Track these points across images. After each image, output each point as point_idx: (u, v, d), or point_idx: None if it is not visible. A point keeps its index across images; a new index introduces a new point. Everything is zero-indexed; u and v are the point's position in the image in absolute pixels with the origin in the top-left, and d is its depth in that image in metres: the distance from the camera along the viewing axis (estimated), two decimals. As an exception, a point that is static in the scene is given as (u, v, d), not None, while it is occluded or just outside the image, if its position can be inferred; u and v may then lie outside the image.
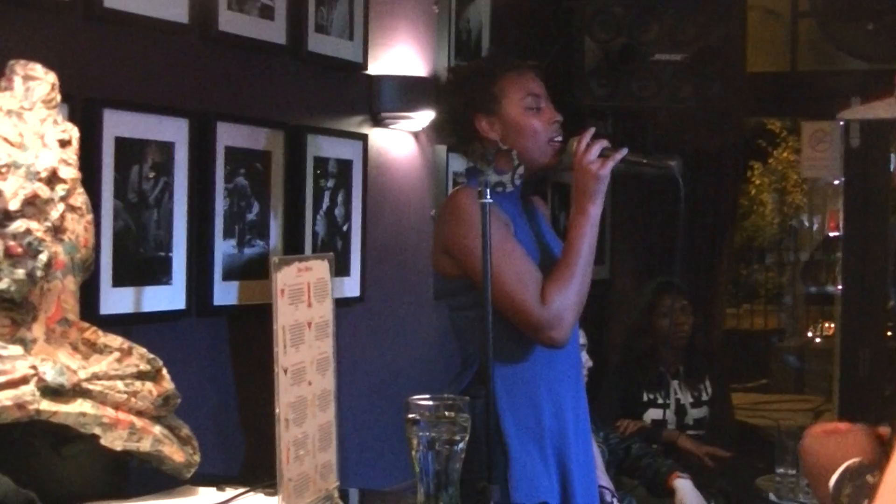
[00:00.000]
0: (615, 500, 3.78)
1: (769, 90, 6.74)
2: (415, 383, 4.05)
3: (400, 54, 4.24)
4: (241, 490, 2.16)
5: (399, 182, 4.27)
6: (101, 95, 2.89)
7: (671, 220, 6.14)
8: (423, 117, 4.13)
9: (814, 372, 10.88)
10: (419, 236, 4.28)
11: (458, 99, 2.91)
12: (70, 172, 2.09)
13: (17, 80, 2.10)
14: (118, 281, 2.94)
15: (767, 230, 15.59)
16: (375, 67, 4.06)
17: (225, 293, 3.31)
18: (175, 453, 2.13)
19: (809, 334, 12.36)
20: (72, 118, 2.57)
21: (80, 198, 2.11)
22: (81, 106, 2.81)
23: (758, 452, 5.40)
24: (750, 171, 14.23)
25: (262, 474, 2.15)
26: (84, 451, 2.04)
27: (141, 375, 2.12)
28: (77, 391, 1.98)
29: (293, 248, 3.59)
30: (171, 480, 2.16)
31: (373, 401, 4.08)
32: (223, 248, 3.31)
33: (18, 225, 1.98)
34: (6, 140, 2.00)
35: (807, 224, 14.48)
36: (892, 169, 6.41)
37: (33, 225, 2.00)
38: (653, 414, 5.34)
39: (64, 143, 2.10)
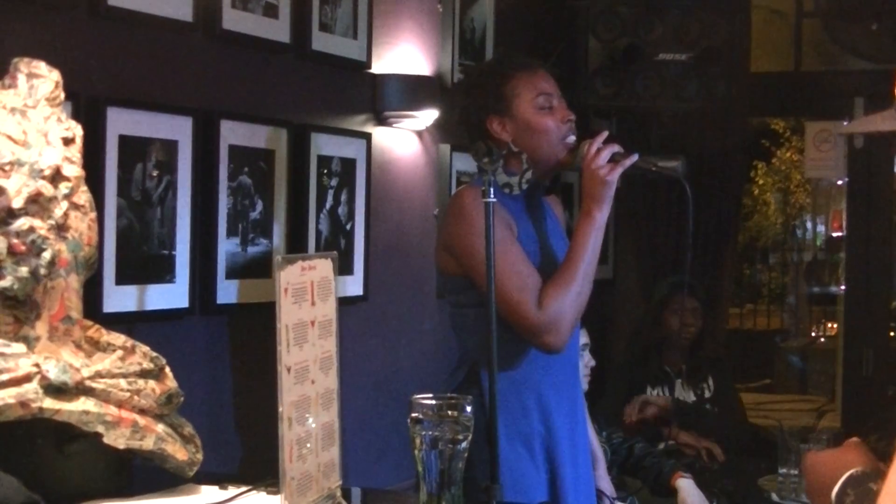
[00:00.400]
0: None
1: (773, 90, 6.73)
2: (418, 382, 4.05)
3: (404, 53, 4.24)
4: (244, 488, 2.16)
5: (402, 181, 4.27)
6: (104, 93, 2.90)
7: (675, 219, 6.16)
8: (427, 116, 4.13)
9: (817, 372, 10.87)
10: (422, 235, 4.28)
11: (470, 100, 2.89)
12: (74, 170, 2.09)
13: (21, 78, 2.10)
14: (121, 279, 2.94)
15: (771, 230, 15.58)
16: (379, 66, 4.06)
17: (228, 292, 3.31)
18: (178, 451, 2.13)
19: (813, 334, 12.35)
20: (75, 116, 2.58)
21: (83, 196, 2.11)
22: (85, 104, 2.81)
23: (760, 452, 5.40)
24: (753, 171, 14.21)
25: (264, 473, 2.15)
26: (87, 449, 2.04)
27: (144, 374, 2.12)
28: (80, 389, 1.98)
29: (296, 246, 3.59)
30: (173, 479, 2.16)
31: (376, 400, 4.08)
32: (226, 246, 3.31)
33: (22, 223, 1.98)
34: (10, 138, 2.00)
35: (810, 224, 14.47)
36: (895, 169, 6.40)
37: (37, 223, 2.00)
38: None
39: (67, 141, 2.10)
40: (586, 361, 4.01)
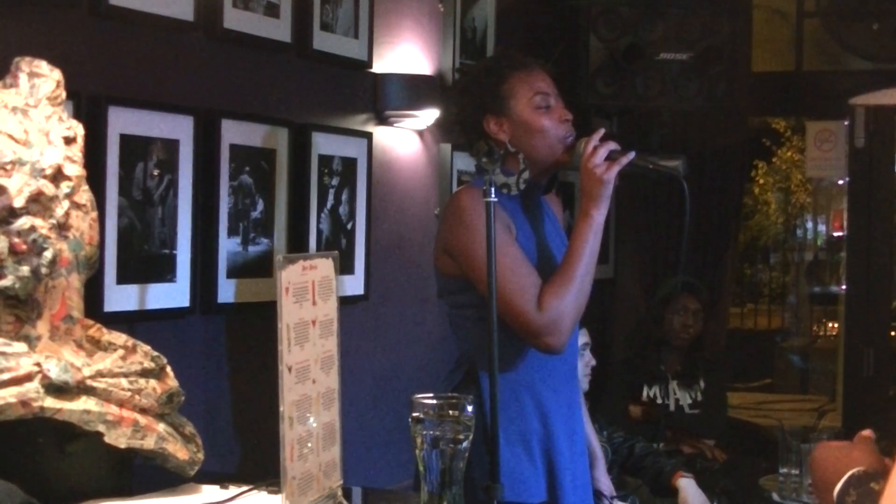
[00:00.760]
0: None
1: (774, 89, 6.73)
2: (419, 382, 4.05)
3: (405, 53, 4.24)
4: (245, 488, 2.16)
5: (404, 180, 4.28)
6: (106, 92, 2.90)
7: (676, 218, 6.16)
8: (428, 116, 4.13)
9: (818, 372, 10.87)
10: (423, 235, 4.28)
11: (467, 100, 2.88)
12: (75, 170, 2.09)
13: (23, 77, 2.10)
14: (122, 278, 2.94)
15: (772, 230, 15.57)
16: (380, 66, 4.06)
17: (229, 291, 3.31)
18: (179, 451, 2.13)
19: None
20: (77, 115, 2.58)
21: (84, 195, 2.11)
22: (86, 103, 2.81)
23: (761, 452, 5.40)
24: (754, 171, 14.21)
25: (265, 472, 2.15)
26: (88, 448, 2.04)
27: (145, 373, 2.12)
28: (81, 388, 1.99)
29: (297, 246, 3.59)
30: (174, 478, 2.16)
31: (377, 399, 4.08)
32: (227, 245, 3.31)
33: (23, 222, 1.98)
34: (11, 137, 2.00)
35: (811, 224, 14.46)
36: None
37: (38, 222, 2.00)
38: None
39: (69, 141, 2.10)
40: (587, 361, 4.01)
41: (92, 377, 2.01)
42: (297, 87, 3.68)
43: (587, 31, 5.27)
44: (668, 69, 5.26)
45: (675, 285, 5.57)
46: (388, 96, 4.04)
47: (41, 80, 2.11)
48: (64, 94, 2.15)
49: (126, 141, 2.94)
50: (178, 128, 3.12)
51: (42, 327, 2.03)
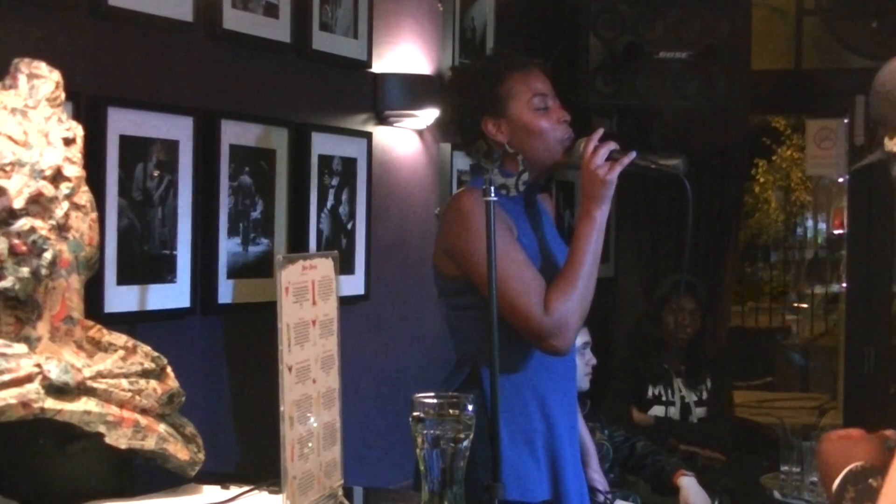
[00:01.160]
0: (607, 501, 3.76)
1: (774, 88, 6.73)
2: (419, 381, 4.05)
3: (404, 52, 4.24)
4: (246, 488, 2.16)
5: (403, 180, 4.28)
6: (105, 93, 2.90)
7: (676, 217, 6.16)
8: (428, 115, 4.13)
9: (819, 370, 10.88)
10: (424, 234, 4.28)
11: (465, 101, 2.86)
12: (74, 171, 2.09)
13: (22, 79, 2.10)
14: (123, 279, 2.94)
15: (772, 228, 15.58)
16: (380, 65, 4.06)
17: (229, 291, 3.31)
18: (180, 451, 2.13)
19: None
20: (76, 116, 2.58)
21: (84, 196, 2.11)
22: (86, 104, 2.81)
23: (762, 450, 5.40)
24: (754, 169, 14.22)
25: (266, 472, 2.15)
26: (89, 449, 2.04)
27: (145, 373, 2.12)
28: (82, 389, 1.99)
29: (298, 246, 3.59)
30: (175, 478, 2.16)
31: (377, 399, 4.08)
32: (228, 246, 3.31)
33: (23, 223, 1.98)
34: (10, 138, 2.00)
35: (811, 222, 14.48)
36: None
37: (38, 223, 2.00)
38: (658, 411, 5.35)
39: (68, 142, 2.10)
40: (587, 360, 4.01)
41: (92, 378, 2.01)
42: (297, 87, 3.68)
43: (586, 30, 5.27)
44: (667, 68, 5.26)
45: (676, 284, 5.57)
46: (387, 96, 4.04)
47: (40, 81, 2.11)
48: (63, 95, 2.15)
49: (126, 142, 2.94)
50: (178, 128, 3.12)
51: (42, 328, 2.03)
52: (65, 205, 2.05)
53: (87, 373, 2.01)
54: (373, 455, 4.02)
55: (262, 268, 3.43)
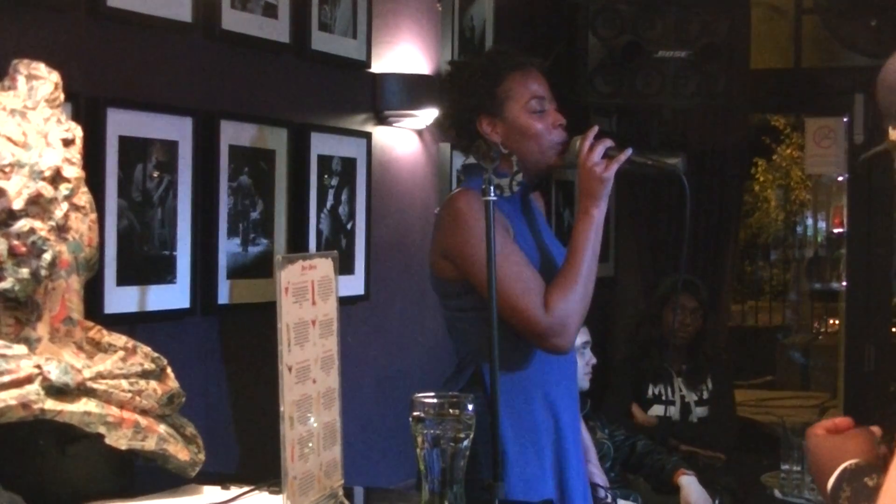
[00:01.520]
0: (608, 496, 3.77)
1: (773, 87, 6.74)
2: (419, 381, 4.05)
3: (403, 52, 4.24)
4: (246, 488, 2.16)
5: (403, 180, 4.28)
6: (104, 94, 2.89)
7: (676, 216, 6.16)
8: (427, 115, 4.12)
9: (819, 368, 10.88)
10: (423, 234, 4.28)
11: (461, 99, 2.86)
12: (74, 171, 2.09)
13: (21, 80, 2.10)
14: (122, 280, 2.94)
15: (772, 227, 15.58)
16: (379, 65, 4.06)
17: (229, 292, 3.31)
18: (180, 452, 2.13)
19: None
20: (75, 117, 2.57)
21: (83, 197, 2.11)
22: (85, 105, 2.81)
23: (763, 449, 5.40)
24: (754, 168, 14.22)
25: (266, 473, 2.15)
26: (89, 450, 2.04)
27: (145, 374, 2.12)
28: (82, 390, 1.99)
29: (297, 246, 3.59)
30: (175, 479, 2.16)
31: (377, 398, 4.08)
32: (227, 246, 3.31)
33: (22, 224, 1.98)
34: (10, 139, 2.00)
35: (811, 221, 14.48)
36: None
37: (37, 224, 2.00)
38: (658, 410, 5.36)
39: (67, 143, 2.10)
40: (588, 359, 4.02)
41: (92, 379, 2.01)
42: (296, 87, 3.68)
43: (586, 29, 5.27)
44: (666, 67, 5.27)
45: (675, 283, 5.58)
46: (386, 96, 4.04)
47: (39, 82, 2.11)
48: (62, 96, 2.15)
49: (125, 142, 2.94)
50: (177, 129, 3.12)
51: (42, 329, 2.03)
52: (64, 206, 2.05)
53: (87, 374, 2.01)
54: (373, 455, 4.02)
55: (261, 268, 3.43)
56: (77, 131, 2.14)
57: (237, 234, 3.35)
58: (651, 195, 6.33)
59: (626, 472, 4.48)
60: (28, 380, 1.92)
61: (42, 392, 1.93)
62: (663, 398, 5.38)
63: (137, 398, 2.07)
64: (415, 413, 1.91)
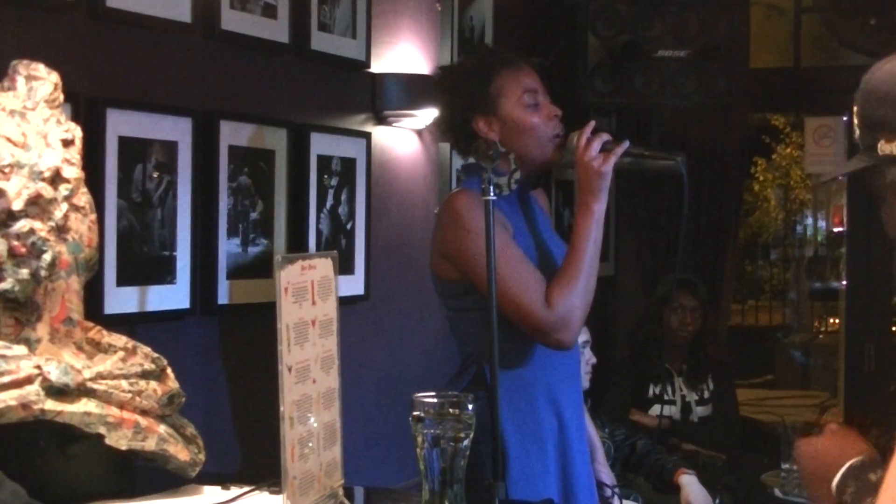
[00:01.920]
0: (615, 496, 3.77)
1: (773, 86, 6.74)
2: (419, 381, 4.05)
3: (403, 52, 4.24)
4: (247, 488, 2.16)
5: (403, 180, 4.28)
6: (104, 95, 2.89)
7: (677, 216, 6.16)
8: (427, 115, 4.12)
9: (819, 367, 10.89)
10: (423, 234, 4.28)
11: (455, 101, 2.86)
12: (73, 172, 2.09)
13: (20, 80, 2.10)
14: (122, 280, 2.94)
15: (772, 226, 15.59)
16: (379, 65, 4.06)
17: (229, 292, 3.31)
18: (180, 452, 2.13)
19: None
20: (75, 118, 2.57)
21: (83, 197, 2.11)
22: (85, 105, 2.81)
23: (763, 448, 5.40)
24: (754, 167, 14.23)
25: (266, 473, 2.15)
26: (89, 450, 2.04)
27: (145, 374, 2.12)
28: (82, 391, 1.99)
29: (297, 246, 3.59)
30: (176, 479, 2.17)
31: (377, 398, 4.08)
32: (227, 246, 3.31)
33: (22, 225, 1.98)
34: (9, 140, 2.00)
35: (811, 220, 14.48)
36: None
37: (37, 225, 2.00)
38: (658, 410, 5.35)
39: (67, 143, 2.10)
40: (587, 359, 4.01)
41: (92, 379, 2.01)
42: (296, 87, 3.68)
43: (585, 29, 5.27)
44: (666, 66, 5.27)
45: (671, 283, 5.58)
46: (386, 96, 4.04)
47: (39, 82, 2.11)
48: (62, 97, 2.15)
49: (124, 143, 2.94)
50: (177, 129, 3.12)
51: (42, 330, 2.03)
52: (64, 206, 2.05)
53: (87, 374, 2.01)
54: (373, 455, 4.02)
55: (261, 268, 3.43)
56: (77, 132, 2.15)
57: (237, 235, 3.35)
58: (651, 195, 6.33)
59: (626, 472, 4.48)
60: (28, 380, 1.93)
61: (42, 392, 1.93)
62: (664, 398, 5.38)
63: (137, 398, 2.07)
64: (415, 413, 1.91)
